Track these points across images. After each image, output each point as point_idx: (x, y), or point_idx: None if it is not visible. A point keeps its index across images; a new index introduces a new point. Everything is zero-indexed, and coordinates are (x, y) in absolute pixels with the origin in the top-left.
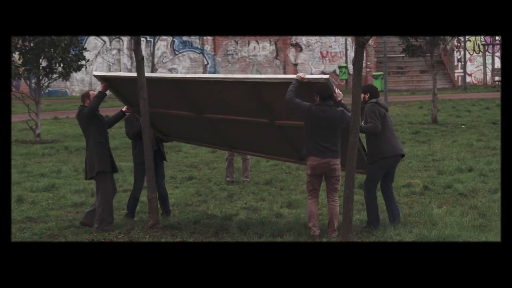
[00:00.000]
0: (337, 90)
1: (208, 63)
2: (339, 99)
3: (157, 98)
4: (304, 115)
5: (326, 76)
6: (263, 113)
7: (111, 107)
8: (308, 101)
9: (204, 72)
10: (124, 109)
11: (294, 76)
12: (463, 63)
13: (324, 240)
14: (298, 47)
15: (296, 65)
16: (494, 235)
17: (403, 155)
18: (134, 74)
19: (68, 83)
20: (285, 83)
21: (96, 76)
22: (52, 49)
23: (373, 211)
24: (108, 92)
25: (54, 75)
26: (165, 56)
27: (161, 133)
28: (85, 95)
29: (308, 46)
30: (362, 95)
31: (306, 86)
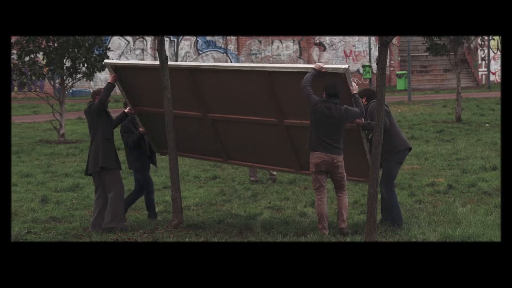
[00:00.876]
0: (353, 84)
1: (231, 63)
2: (354, 92)
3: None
4: (310, 108)
5: (346, 66)
6: (273, 110)
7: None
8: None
9: None
10: (126, 110)
11: (312, 66)
12: (487, 62)
13: (349, 239)
14: (321, 46)
15: None
16: None
17: (410, 148)
18: (146, 61)
19: (92, 83)
20: (302, 73)
21: (106, 65)
22: (76, 49)
23: (396, 209)
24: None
25: (78, 75)
26: (188, 56)
27: (157, 146)
28: (96, 93)
29: (332, 46)
30: None
31: (322, 78)
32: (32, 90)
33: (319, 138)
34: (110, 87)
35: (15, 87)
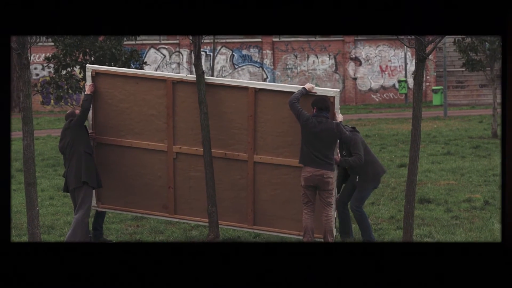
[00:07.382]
0: (339, 113)
1: (267, 77)
2: (340, 121)
3: (130, 117)
4: (302, 123)
5: (337, 90)
6: (246, 141)
7: None
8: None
9: None
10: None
11: (299, 86)
12: None
13: None
14: (357, 61)
15: (355, 79)
16: None
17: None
18: (134, 70)
19: None
20: (290, 93)
21: (87, 68)
22: (112, 63)
23: (369, 228)
24: None
25: None
26: (224, 70)
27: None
28: (70, 115)
29: (368, 60)
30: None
31: (310, 99)
32: (69, 104)
33: (310, 152)
34: (88, 98)
35: (52, 101)
